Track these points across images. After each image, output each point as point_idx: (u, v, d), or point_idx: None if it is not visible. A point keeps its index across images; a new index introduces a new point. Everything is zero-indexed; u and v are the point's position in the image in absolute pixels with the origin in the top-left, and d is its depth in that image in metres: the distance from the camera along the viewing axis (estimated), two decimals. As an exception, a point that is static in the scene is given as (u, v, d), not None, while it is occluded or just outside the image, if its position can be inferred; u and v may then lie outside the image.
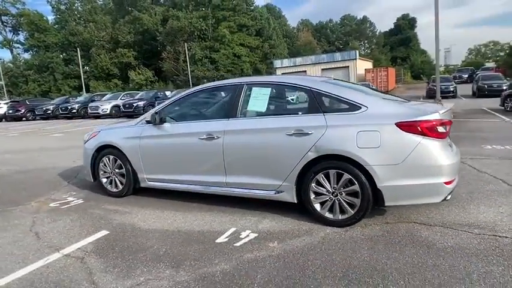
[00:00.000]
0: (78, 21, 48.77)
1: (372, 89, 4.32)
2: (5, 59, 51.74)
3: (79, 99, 23.82)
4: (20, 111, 23.18)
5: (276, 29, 50.58)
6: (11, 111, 23.22)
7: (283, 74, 30.69)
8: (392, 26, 62.53)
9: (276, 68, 36.95)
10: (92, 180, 4.48)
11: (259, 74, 40.96)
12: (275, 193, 3.27)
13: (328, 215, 3.06)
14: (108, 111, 19.64)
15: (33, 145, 10.14)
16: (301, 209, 3.28)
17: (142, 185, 4.09)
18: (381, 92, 4.29)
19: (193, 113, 4.11)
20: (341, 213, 3.02)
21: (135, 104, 19.17)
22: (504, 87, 17.47)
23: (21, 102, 25.07)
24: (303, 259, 2.53)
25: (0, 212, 3.99)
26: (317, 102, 3.16)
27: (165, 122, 3.86)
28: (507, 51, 47.74)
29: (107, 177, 4.31)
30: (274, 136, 3.19)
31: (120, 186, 4.20)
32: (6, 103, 24.84)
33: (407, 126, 2.79)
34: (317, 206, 3.09)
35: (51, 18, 51.09)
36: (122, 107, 19.58)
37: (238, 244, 2.84)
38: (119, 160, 4.14)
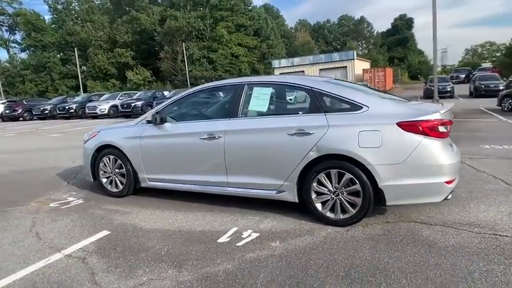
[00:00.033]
0: (75, 21, 48.54)
1: (371, 88, 4.33)
2: (1, 58, 51.60)
3: (77, 99, 23.72)
4: (17, 111, 23.05)
5: (274, 29, 50.62)
6: (7, 111, 23.08)
7: (281, 74, 30.71)
8: (390, 26, 62.73)
9: (274, 68, 36.97)
10: (92, 180, 4.47)
11: (257, 74, 40.96)
12: (276, 193, 3.28)
13: (329, 214, 3.07)
14: (106, 111, 19.58)
15: (31, 145, 10.09)
16: (302, 208, 3.29)
17: (142, 185, 4.08)
18: (381, 91, 4.30)
19: (194, 113, 4.11)
20: (342, 212, 3.03)
21: (133, 104, 19.13)
22: (501, 88, 17.63)
23: (18, 102, 24.94)
24: (305, 258, 2.53)
25: (0, 213, 3.97)
26: (318, 102, 3.16)
27: (165, 121, 3.85)
28: (503, 51, 48.08)
29: (107, 177, 4.30)
30: (276, 136, 3.20)
31: (121, 186, 4.19)
32: (3, 103, 24.71)
33: (409, 126, 2.81)
34: (318, 206, 3.10)
35: (48, 17, 50.95)
36: (120, 107, 19.53)
37: (240, 244, 2.84)
38: (119, 160, 4.13)
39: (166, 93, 21.83)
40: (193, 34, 41.68)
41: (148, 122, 3.93)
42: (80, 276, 2.48)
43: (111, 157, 4.19)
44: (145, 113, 4.21)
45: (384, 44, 61.92)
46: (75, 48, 39.72)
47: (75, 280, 2.43)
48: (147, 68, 43.95)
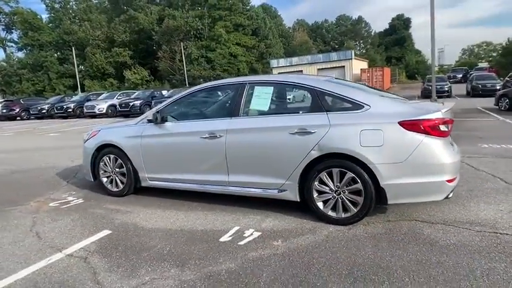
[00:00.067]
0: (72, 20, 48.35)
1: (371, 88, 4.34)
2: (-2, 57, 50.95)
3: (74, 98, 23.62)
4: (14, 110, 22.95)
5: (272, 28, 50.64)
6: (5, 111, 22.97)
7: (279, 73, 30.71)
8: (387, 26, 62.92)
9: (273, 67, 36.99)
10: (92, 180, 4.45)
11: (255, 74, 40.93)
12: (278, 192, 3.28)
13: (331, 213, 3.08)
14: (104, 111, 19.52)
15: (29, 145, 10.04)
16: (303, 207, 3.29)
17: (143, 184, 4.07)
18: (382, 90, 4.31)
19: (195, 112, 4.10)
20: (344, 211, 3.03)
21: (131, 104, 19.08)
22: (498, 87, 17.74)
23: (16, 101, 24.85)
24: (307, 257, 2.54)
25: (-1, 212, 3.95)
26: (320, 101, 3.17)
27: (166, 121, 3.84)
28: (500, 51, 48.32)
29: (108, 177, 4.28)
30: (277, 135, 3.20)
31: (121, 186, 4.18)
32: (0, 102, 24.56)
33: (410, 125, 2.81)
34: (320, 205, 3.11)
35: (45, 16, 50.75)
36: (118, 106, 19.49)
37: (242, 243, 2.84)
38: (119, 159, 4.11)
39: (164, 92, 21.79)
40: (192, 33, 41.62)
41: (149, 121, 3.92)
42: (81, 275, 2.47)
43: (112, 156, 4.18)
44: (143, 112, 4.20)
45: (381, 43, 62.09)
46: (73, 48, 39.53)
47: (77, 280, 2.42)
48: (145, 67, 43.84)
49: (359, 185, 2.92)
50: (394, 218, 3.16)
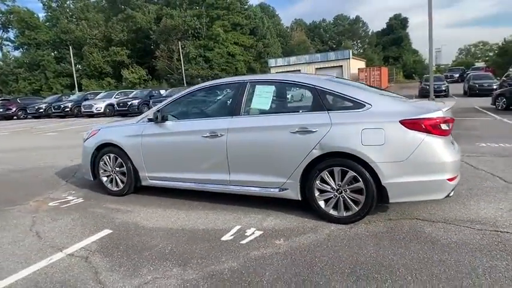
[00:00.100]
0: (70, 19, 48.08)
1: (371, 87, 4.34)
2: (-6, 56, 50.56)
3: (72, 97, 23.50)
4: (11, 109, 22.82)
5: (270, 28, 50.61)
6: (1, 110, 22.82)
7: (277, 73, 30.71)
8: (385, 26, 63.09)
9: (270, 67, 37.00)
10: (92, 179, 4.43)
11: (253, 73, 40.89)
12: (279, 191, 3.28)
13: (332, 212, 3.08)
14: (102, 110, 19.43)
15: (27, 144, 9.98)
16: (304, 206, 3.30)
17: (143, 183, 4.06)
18: (382, 89, 4.32)
19: (196, 111, 4.10)
20: (345, 210, 3.04)
21: (129, 103, 19.01)
22: (494, 87, 17.85)
23: (12, 100, 24.70)
24: (310, 256, 2.54)
25: (-2, 212, 3.92)
26: (321, 100, 3.17)
27: (167, 120, 3.83)
28: (496, 51, 48.63)
29: (107, 176, 4.26)
30: (279, 134, 3.20)
31: (121, 185, 4.16)
32: (-3, 102, 24.40)
33: (412, 124, 2.82)
34: (321, 203, 3.11)
35: (42, 15, 50.36)
36: (116, 105, 19.40)
37: (244, 242, 2.84)
38: (119, 158, 4.10)
39: (162, 91, 21.74)
40: (189, 33, 41.51)
41: (150, 120, 3.91)
42: (83, 275, 2.46)
43: (112, 155, 4.16)
44: (142, 111, 4.18)
45: (378, 43, 62.23)
46: (70, 47, 39.35)
47: (78, 279, 2.41)
48: (143, 66, 43.68)
49: (360, 184, 2.92)
50: (395, 217, 3.17)
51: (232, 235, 2.98)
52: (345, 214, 3.03)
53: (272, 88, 3.47)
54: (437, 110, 2.89)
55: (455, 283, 2.11)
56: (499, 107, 12.31)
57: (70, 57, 38.30)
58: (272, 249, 2.67)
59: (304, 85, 3.37)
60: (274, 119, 3.31)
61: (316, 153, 3.02)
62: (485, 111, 12.22)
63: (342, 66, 33.63)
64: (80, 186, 4.80)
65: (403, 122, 2.84)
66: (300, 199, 3.23)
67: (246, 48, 45.30)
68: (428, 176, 2.82)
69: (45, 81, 44.60)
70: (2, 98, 27.89)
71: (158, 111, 3.84)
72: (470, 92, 19.44)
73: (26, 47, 47.61)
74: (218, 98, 4.22)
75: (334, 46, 61.16)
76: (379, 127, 2.87)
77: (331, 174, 3.03)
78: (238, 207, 3.60)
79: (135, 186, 4.14)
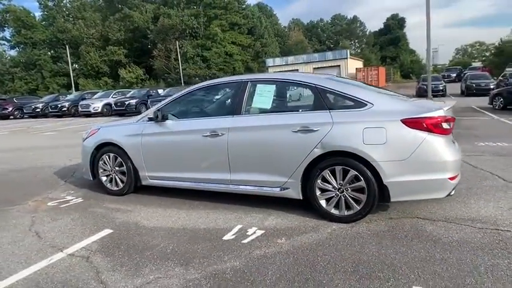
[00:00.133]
0: (66, 18, 47.78)
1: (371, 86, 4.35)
2: (-10, 56, 50.12)
3: (69, 97, 23.37)
4: (7, 109, 22.64)
5: (268, 27, 50.65)
6: (-3, 110, 22.64)
7: (274, 72, 30.72)
8: (382, 26, 63.22)
9: (268, 66, 37.05)
10: (91, 179, 4.40)
11: (251, 73, 40.90)
12: (280, 190, 3.28)
13: (334, 211, 3.08)
14: (99, 110, 19.35)
15: (24, 144, 9.91)
16: (306, 205, 3.29)
17: (143, 183, 4.04)
18: (382, 88, 4.33)
19: (196, 110, 4.08)
20: (347, 209, 3.04)
21: (127, 102, 18.92)
22: (491, 86, 17.96)
23: (9, 100, 24.51)
24: (312, 255, 2.54)
25: (-3, 212, 3.89)
26: (322, 99, 3.17)
27: (167, 119, 3.81)
28: (493, 51, 48.92)
29: (107, 176, 4.24)
30: (280, 133, 3.19)
31: (121, 185, 4.14)
32: (-7, 101, 24.21)
33: (413, 123, 2.83)
34: (323, 203, 3.11)
35: (38, 14, 50.01)
36: (113, 105, 19.32)
37: (246, 241, 2.83)
38: (119, 158, 4.07)
39: (160, 91, 21.68)
40: (187, 32, 41.44)
41: (150, 119, 3.89)
42: (84, 275, 2.44)
43: (111, 155, 4.13)
44: (139, 111, 4.17)
45: (376, 43, 62.39)
46: (67, 46, 39.12)
47: (80, 279, 2.39)
48: (140, 66, 43.54)
49: (362, 183, 2.93)
50: (396, 216, 3.18)
51: (233, 234, 2.97)
52: (346, 213, 3.04)
53: (273, 87, 3.46)
54: (438, 109, 2.90)
55: (458, 281, 2.11)
56: (496, 107, 12.39)
57: (67, 56, 38.12)
58: (274, 249, 2.67)
59: (305, 84, 3.37)
60: (276, 118, 3.31)
61: (318, 152, 3.02)
62: (482, 110, 12.29)
63: (339, 66, 33.75)
64: (79, 186, 4.78)
65: (404, 121, 2.84)
66: (301, 198, 3.22)
67: (244, 48, 45.29)
68: (430, 175, 2.83)
69: (42, 80, 44.34)
70: (-2, 98, 27.68)
71: (158, 110, 3.82)
72: (468, 92, 19.54)
73: (22, 46, 47.27)
74: (219, 97, 4.21)
75: (332, 46, 61.28)
76: (380, 126, 2.87)
77: (333, 173, 3.03)
78: (239, 207, 3.59)
79: (135, 186, 4.12)
